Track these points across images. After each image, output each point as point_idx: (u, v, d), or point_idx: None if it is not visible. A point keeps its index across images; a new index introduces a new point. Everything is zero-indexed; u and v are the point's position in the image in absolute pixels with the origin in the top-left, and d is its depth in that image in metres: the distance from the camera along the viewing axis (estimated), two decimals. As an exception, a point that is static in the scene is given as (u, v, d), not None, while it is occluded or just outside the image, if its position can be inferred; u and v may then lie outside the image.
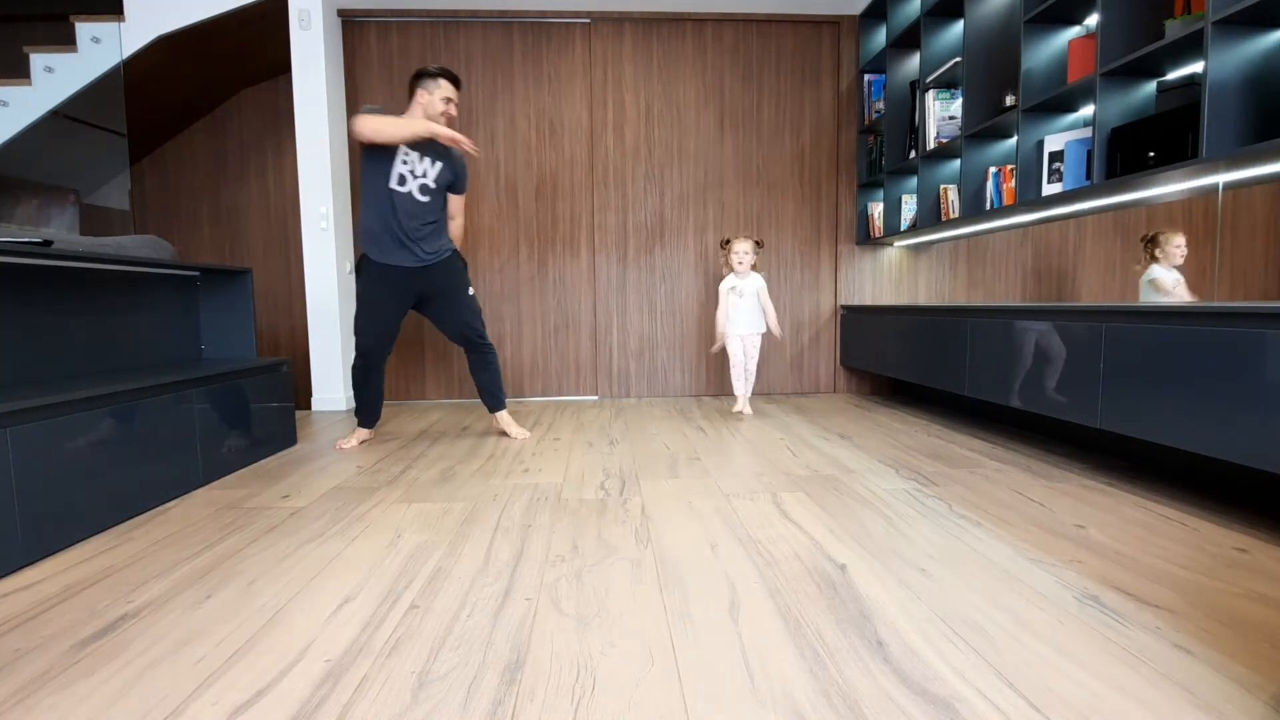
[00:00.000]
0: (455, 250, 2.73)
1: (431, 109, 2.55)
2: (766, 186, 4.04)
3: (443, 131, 2.40)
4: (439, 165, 2.60)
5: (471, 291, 2.75)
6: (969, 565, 1.41)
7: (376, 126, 2.36)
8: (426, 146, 2.54)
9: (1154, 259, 2.45)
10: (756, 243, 3.35)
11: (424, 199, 2.55)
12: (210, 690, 0.98)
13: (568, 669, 1.03)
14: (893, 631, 1.13)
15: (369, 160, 2.49)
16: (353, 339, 3.80)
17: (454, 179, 2.65)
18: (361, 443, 2.75)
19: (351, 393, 2.75)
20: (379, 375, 2.69)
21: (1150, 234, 2.47)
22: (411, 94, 2.58)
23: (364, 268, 2.60)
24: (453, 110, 2.61)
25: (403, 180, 2.50)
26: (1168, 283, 2.40)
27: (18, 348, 1.89)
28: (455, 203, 2.74)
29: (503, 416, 2.87)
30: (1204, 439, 1.63)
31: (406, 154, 2.50)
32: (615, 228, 4.01)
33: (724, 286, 3.35)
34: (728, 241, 3.37)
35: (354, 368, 2.69)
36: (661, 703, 0.94)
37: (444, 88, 2.55)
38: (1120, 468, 2.21)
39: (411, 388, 4.03)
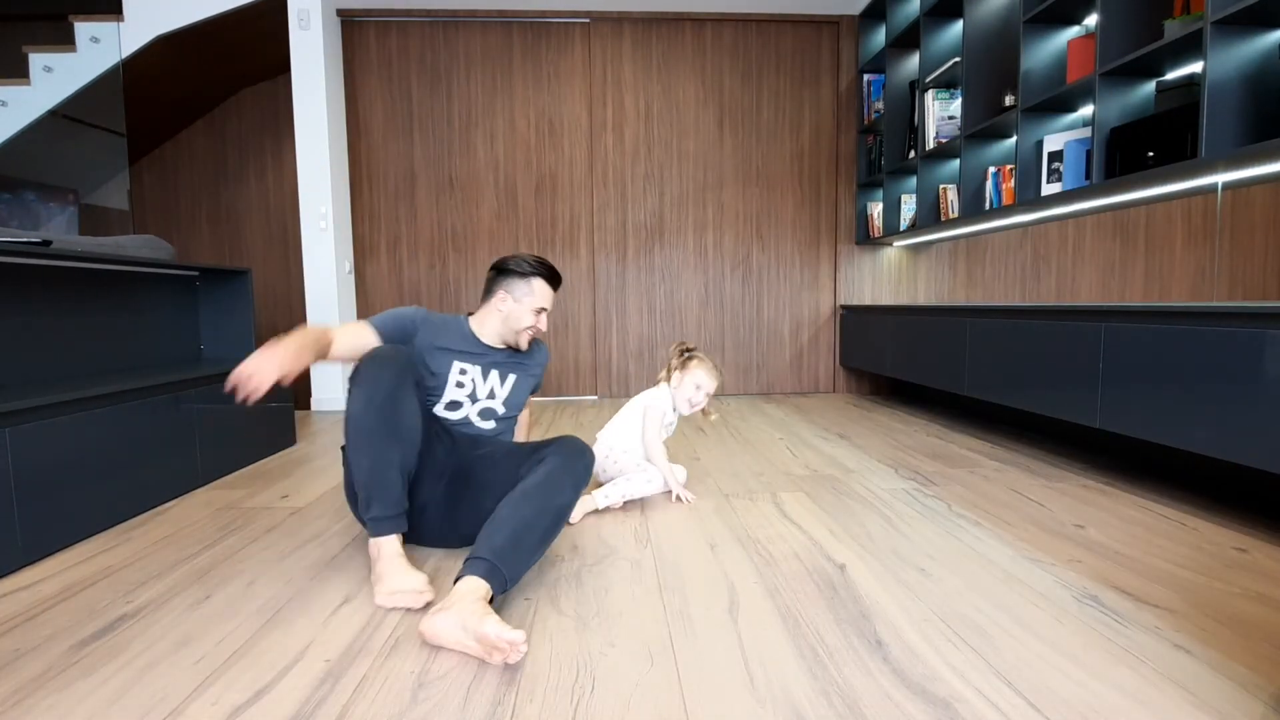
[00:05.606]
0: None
1: (515, 322, 1.70)
2: (766, 186, 4.04)
3: None
4: (513, 377, 1.74)
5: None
6: (968, 565, 1.41)
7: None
8: (494, 352, 1.72)
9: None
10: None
11: (485, 425, 1.67)
12: (209, 690, 0.98)
13: (567, 669, 1.03)
14: (892, 631, 1.13)
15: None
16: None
17: (535, 388, 1.84)
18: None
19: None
20: None
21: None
22: (489, 290, 1.72)
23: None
24: (542, 325, 1.73)
25: (455, 405, 1.65)
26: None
27: (18, 348, 1.89)
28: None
29: (475, 600, 1.11)
30: (1203, 439, 1.63)
31: (465, 365, 1.67)
32: (614, 227, 4.01)
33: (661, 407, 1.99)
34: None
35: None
36: (661, 703, 0.94)
37: (538, 293, 1.70)
38: (1120, 467, 2.21)
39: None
